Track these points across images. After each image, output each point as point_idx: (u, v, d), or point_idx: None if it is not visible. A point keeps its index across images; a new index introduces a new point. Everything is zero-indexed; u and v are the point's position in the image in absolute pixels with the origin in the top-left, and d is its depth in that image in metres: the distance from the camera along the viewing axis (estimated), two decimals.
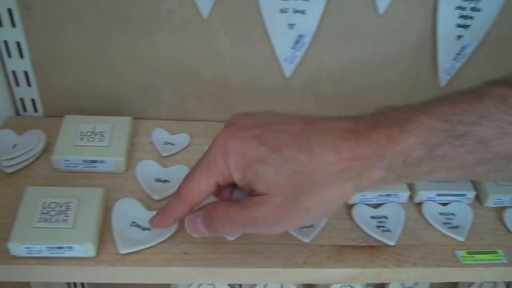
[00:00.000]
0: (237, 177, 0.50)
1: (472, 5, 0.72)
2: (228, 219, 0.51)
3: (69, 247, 0.59)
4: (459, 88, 0.79)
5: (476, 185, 0.74)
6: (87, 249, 0.59)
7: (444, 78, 0.79)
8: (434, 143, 0.45)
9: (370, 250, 0.66)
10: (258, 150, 0.48)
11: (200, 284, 1.04)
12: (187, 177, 0.54)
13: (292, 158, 0.47)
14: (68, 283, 1.12)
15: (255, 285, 1.04)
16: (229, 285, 1.05)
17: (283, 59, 0.76)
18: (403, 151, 0.46)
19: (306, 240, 0.65)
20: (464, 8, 0.72)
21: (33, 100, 0.80)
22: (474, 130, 0.45)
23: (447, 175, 0.48)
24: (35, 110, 0.80)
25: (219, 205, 0.53)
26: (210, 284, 1.03)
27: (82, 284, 1.13)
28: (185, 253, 0.63)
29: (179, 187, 0.55)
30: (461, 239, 0.68)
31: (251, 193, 0.50)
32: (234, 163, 0.49)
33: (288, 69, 0.77)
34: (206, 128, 0.81)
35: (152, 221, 0.61)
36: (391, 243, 0.66)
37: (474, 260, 0.66)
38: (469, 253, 0.67)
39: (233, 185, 0.55)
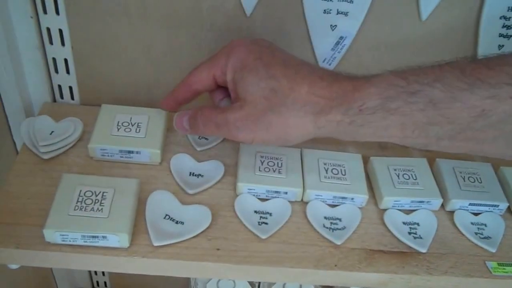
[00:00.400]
0: (229, 76, 0.58)
1: None
2: (208, 118, 0.59)
3: (104, 237, 0.59)
4: None
5: (508, 196, 0.73)
6: (121, 239, 0.59)
7: None
8: (389, 95, 0.50)
9: (401, 256, 0.65)
10: (254, 61, 0.56)
11: (219, 280, 1.03)
12: (195, 68, 0.62)
13: (275, 77, 0.54)
14: (89, 272, 1.12)
15: (273, 283, 1.04)
16: (249, 282, 1.05)
17: (322, 60, 0.75)
18: (361, 98, 0.51)
19: (338, 243, 0.64)
20: (508, 18, 0.71)
21: (70, 88, 0.79)
22: (427, 90, 0.49)
23: (401, 132, 0.52)
24: (72, 97, 0.80)
25: (204, 107, 0.60)
26: (229, 280, 1.03)
27: (103, 273, 1.14)
28: (217, 249, 0.63)
29: (187, 75, 0.63)
30: (493, 250, 0.67)
31: (233, 100, 0.58)
32: (232, 63, 0.57)
33: None
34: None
35: (161, 103, 0.70)
36: (423, 250, 0.65)
37: (505, 272, 0.65)
38: (499, 264, 0.66)
39: (225, 94, 0.63)
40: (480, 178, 0.74)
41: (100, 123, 0.73)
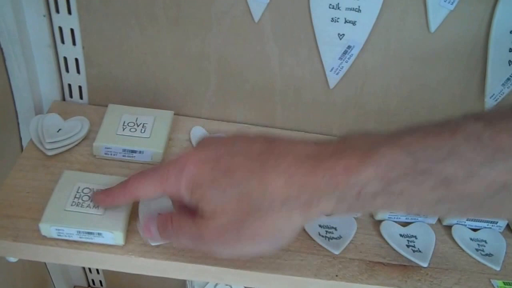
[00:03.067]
0: (186, 198, 0.46)
1: None
2: (180, 230, 0.47)
3: (99, 234, 0.56)
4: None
5: None
6: (116, 237, 0.56)
7: (490, 103, 0.73)
8: (392, 178, 0.39)
9: (403, 269, 0.61)
10: (211, 173, 0.45)
11: (216, 284, 1.00)
12: (139, 176, 0.50)
13: (242, 181, 0.43)
14: (84, 268, 1.09)
15: None
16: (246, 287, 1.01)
17: (329, 69, 0.71)
18: (357, 183, 0.40)
19: (336, 253, 0.61)
20: None
21: (80, 87, 0.77)
22: (440, 168, 0.38)
23: (406, 210, 0.42)
24: (81, 97, 0.78)
25: (174, 215, 0.49)
26: (227, 285, 0.99)
27: (98, 270, 1.10)
28: None
29: (128, 180, 0.51)
30: (497, 268, 0.62)
31: (201, 214, 0.46)
32: (185, 185, 0.46)
33: (333, 80, 0.72)
34: (243, 129, 0.77)
35: (95, 197, 0.57)
36: (424, 264, 0.61)
37: None
38: (505, 283, 0.62)
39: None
40: None
41: (106, 122, 0.70)
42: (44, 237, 0.57)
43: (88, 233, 0.55)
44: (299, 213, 0.43)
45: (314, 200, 0.42)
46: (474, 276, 0.62)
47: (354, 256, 0.61)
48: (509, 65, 0.69)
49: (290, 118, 0.78)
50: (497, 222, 0.67)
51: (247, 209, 0.43)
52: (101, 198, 0.56)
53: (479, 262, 0.63)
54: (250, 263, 0.58)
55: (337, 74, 0.72)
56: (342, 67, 0.71)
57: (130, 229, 0.59)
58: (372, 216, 0.67)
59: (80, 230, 0.55)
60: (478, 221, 0.67)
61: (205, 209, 0.45)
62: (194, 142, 0.73)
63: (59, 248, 0.57)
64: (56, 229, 0.55)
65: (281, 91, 0.75)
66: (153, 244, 0.57)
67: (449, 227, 0.67)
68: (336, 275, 0.59)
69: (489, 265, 0.63)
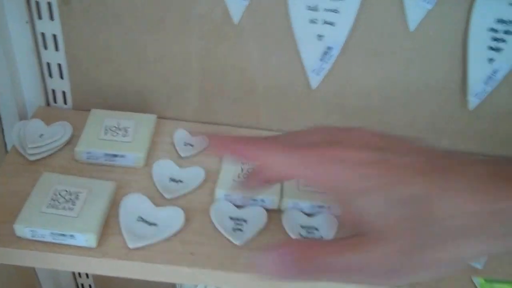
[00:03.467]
0: (347, 202, 0.37)
1: (505, 28, 0.66)
2: (326, 262, 0.36)
3: (71, 236, 0.57)
4: (489, 113, 0.74)
5: None
6: (88, 239, 0.57)
7: (473, 101, 0.73)
8: None
9: None
10: (380, 179, 0.35)
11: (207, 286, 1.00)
12: (275, 143, 0.41)
13: (420, 196, 0.34)
14: (73, 273, 1.09)
15: None
16: None
17: (310, 70, 0.72)
18: None
19: None
20: (496, 30, 0.67)
21: (64, 93, 0.78)
22: None
23: None
24: (65, 102, 0.79)
25: (312, 243, 0.39)
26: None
27: (87, 275, 1.10)
28: (191, 254, 0.59)
29: (261, 143, 0.41)
30: (479, 266, 0.62)
31: (358, 229, 0.36)
32: (348, 183, 0.36)
33: (314, 81, 0.73)
34: (228, 132, 0.78)
35: (211, 139, 0.43)
36: None
37: None
38: (486, 281, 0.61)
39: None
40: None
41: (88, 127, 0.71)
42: (19, 240, 0.57)
43: (61, 235, 0.56)
44: (488, 242, 0.35)
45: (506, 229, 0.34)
46: (456, 274, 0.61)
47: None
48: (490, 62, 0.69)
49: (274, 119, 0.78)
50: None
51: (429, 231, 0.34)
52: (217, 143, 0.43)
53: None
54: (227, 263, 0.59)
55: (318, 75, 0.72)
56: (324, 67, 0.71)
57: (106, 231, 0.60)
58: None
59: (54, 231, 0.56)
60: None
61: (374, 225, 0.36)
62: (177, 145, 0.73)
63: (34, 251, 0.57)
64: (30, 230, 0.56)
65: (263, 93, 0.76)
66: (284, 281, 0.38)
67: None
68: None
69: (475, 265, 0.62)
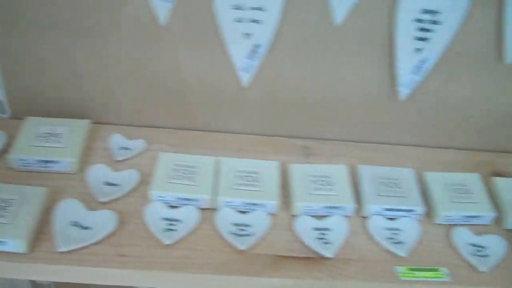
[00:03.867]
0: None
1: (431, 18, 0.69)
2: None
3: (2, 242, 0.58)
4: (420, 103, 0.77)
5: (427, 200, 0.71)
6: (18, 244, 0.59)
7: (403, 92, 0.75)
8: None
9: (307, 261, 0.63)
10: None
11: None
12: None
13: None
14: (32, 282, 1.11)
15: None
16: None
17: (239, 69, 0.74)
18: None
19: (242, 248, 0.63)
20: (422, 20, 0.69)
21: (0, 102, 0.79)
22: None
23: None
24: (3, 111, 0.80)
25: None
26: None
27: (47, 282, 1.12)
28: (122, 256, 0.62)
29: None
30: (402, 254, 0.65)
31: None
32: None
33: (245, 79, 0.75)
34: (164, 135, 0.80)
35: None
36: (329, 255, 0.63)
37: (414, 277, 0.63)
38: (410, 269, 0.64)
39: None
40: (399, 183, 0.72)
41: (22, 135, 0.73)
42: None
43: None
44: None
45: None
46: (378, 264, 0.64)
47: (263, 252, 0.64)
48: (417, 52, 0.72)
49: (209, 119, 0.80)
50: (414, 210, 0.69)
51: None
52: None
53: (387, 250, 0.65)
54: (156, 263, 0.61)
55: (248, 73, 0.74)
56: (252, 65, 0.73)
57: (39, 237, 0.62)
58: (288, 211, 0.69)
59: None
60: (396, 211, 0.69)
61: None
62: (112, 149, 0.75)
63: None
64: None
65: (197, 93, 0.78)
66: None
67: (367, 218, 0.69)
68: (238, 270, 0.61)
69: (396, 252, 0.65)
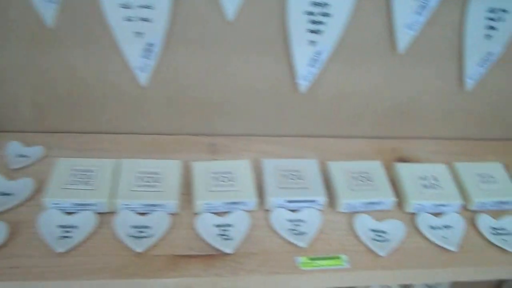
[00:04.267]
0: None
1: (322, 10, 0.71)
2: None
3: None
4: (321, 95, 0.79)
5: (329, 190, 0.73)
6: None
7: (303, 84, 0.77)
8: None
9: (207, 259, 0.64)
10: None
11: None
12: None
13: None
14: None
15: None
16: None
17: (136, 68, 0.74)
18: None
19: (139, 250, 0.63)
20: (313, 13, 0.71)
21: None
22: None
23: None
24: None
25: None
26: None
27: None
28: (13, 267, 0.60)
29: None
30: (303, 245, 0.66)
31: None
32: None
33: (143, 78, 0.75)
34: (66, 140, 0.79)
35: None
36: (229, 251, 0.64)
37: (314, 266, 0.65)
38: (310, 259, 0.65)
39: None
40: (302, 175, 0.73)
41: None
42: None
43: None
44: None
45: None
46: (280, 256, 0.65)
47: (161, 252, 0.64)
48: (311, 45, 0.73)
49: (112, 121, 0.80)
50: (316, 201, 0.71)
51: None
52: None
53: (288, 242, 0.67)
54: (49, 272, 0.60)
55: (145, 72, 0.74)
56: (149, 64, 0.74)
57: None
58: (190, 209, 0.69)
59: None
60: (298, 202, 0.71)
61: None
62: (9, 157, 0.73)
63: None
64: None
65: (97, 95, 0.77)
66: None
67: (269, 212, 0.70)
68: (135, 273, 0.61)
69: (297, 243, 0.66)
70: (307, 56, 0.74)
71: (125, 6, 0.68)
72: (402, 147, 0.86)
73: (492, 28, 0.76)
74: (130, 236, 0.65)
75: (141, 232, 0.66)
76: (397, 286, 1.08)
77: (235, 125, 0.83)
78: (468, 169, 0.79)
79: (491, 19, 0.75)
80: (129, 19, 0.70)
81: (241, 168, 0.73)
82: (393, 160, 0.82)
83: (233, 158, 0.77)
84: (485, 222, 0.74)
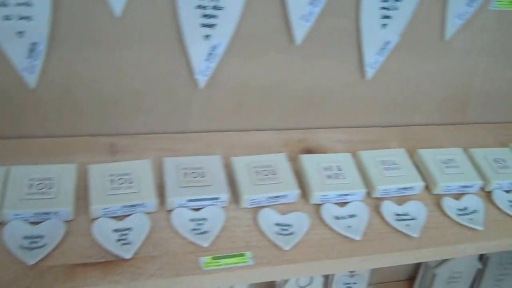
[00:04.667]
0: None
1: (214, 3, 0.70)
2: None
3: None
4: (222, 89, 0.79)
5: (233, 186, 0.73)
6: None
7: (201, 79, 0.77)
8: None
9: (105, 266, 0.62)
10: None
11: None
12: None
13: None
14: None
15: None
16: None
17: (21, 69, 0.71)
18: None
19: (31, 262, 0.61)
20: (205, 7, 0.70)
21: None
22: None
23: None
24: None
25: None
26: None
27: None
28: None
29: None
30: (206, 244, 0.66)
31: None
32: None
33: (30, 79, 0.72)
34: None
35: None
36: (128, 256, 0.63)
37: (219, 265, 0.65)
38: (214, 258, 0.65)
39: None
40: (204, 172, 0.73)
41: None
42: None
43: None
44: None
45: None
46: (183, 257, 0.65)
47: (56, 263, 0.62)
48: (207, 39, 0.73)
49: (2, 126, 0.77)
50: (218, 198, 0.71)
51: None
52: None
53: (191, 242, 0.66)
54: None
55: (32, 73, 0.72)
56: (35, 65, 0.71)
57: None
58: (87, 215, 0.68)
59: None
60: (200, 200, 0.70)
61: None
62: None
63: None
64: None
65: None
66: None
67: (170, 212, 0.70)
68: (29, 287, 0.59)
69: (200, 242, 0.66)
70: (203, 51, 0.74)
71: (2, 5, 0.65)
72: (309, 138, 0.88)
73: (387, 17, 0.78)
74: (22, 247, 0.63)
75: (34, 242, 0.64)
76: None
77: (137, 123, 0.82)
78: (371, 157, 0.82)
79: (385, 8, 0.77)
80: (7, 18, 0.67)
81: (141, 168, 0.72)
82: (299, 151, 0.83)
83: (135, 158, 0.76)
84: (389, 208, 0.76)
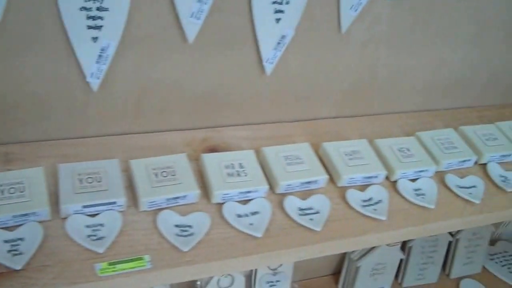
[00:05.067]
0: None
1: (97, 5, 0.71)
2: None
3: None
4: (117, 91, 0.79)
5: (131, 189, 0.74)
6: None
7: (94, 82, 0.77)
8: None
9: None
10: None
11: None
12: None
13: None
14: None
15: None
16: None
17: None
18: None
19: None
20: (89, 8, 0.71)
21: None
22: None
23: None
24: None
25: None
26: None
27: None
28: None
29: None
30: (101, 250, 0.66)
31: None
32: None
33: None
34: None
35: None
36: (18, 267, 0.63)
37: (115, 271, 0.65)
38: (110, 264, 0.66)
39: None
40: (100, 177, 0.73)
41: None
42: None
43: None
44: None
45: None
46: (77, 264, 0.65)
47: None
48: (94, 41, 0.73)
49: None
50: (115, 202, 0.71)
51: None
52: None
53: (86, 249, 0.67)
54: None
55: None
56: None
57: None
58: None
59: None
60: (96, 206, 0.71)
61: None
62: None
63: None
64: None
65: None
66: None
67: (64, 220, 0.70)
68: None
69: (94, 249, 0.66)
70: (92, 53, 0.74)
71: None
72: (213, 136, 0.89)
73: (280, 11, 0.80)
74: None
75: None
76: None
77: (34, 130, 0.81)
78: (275, 153, 0.83)
79: (277, 2, 0.79)
80: None
81: (34, 176, 0.72)
82: (203, 150, 0.85)
83: (30, 166, 0.75)
84: (292, 203, 0.78)
